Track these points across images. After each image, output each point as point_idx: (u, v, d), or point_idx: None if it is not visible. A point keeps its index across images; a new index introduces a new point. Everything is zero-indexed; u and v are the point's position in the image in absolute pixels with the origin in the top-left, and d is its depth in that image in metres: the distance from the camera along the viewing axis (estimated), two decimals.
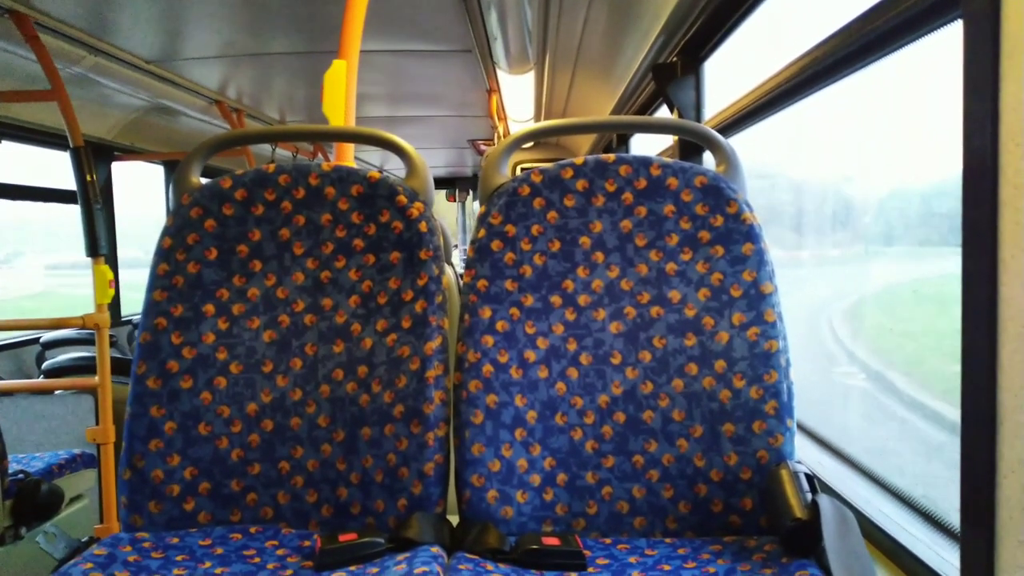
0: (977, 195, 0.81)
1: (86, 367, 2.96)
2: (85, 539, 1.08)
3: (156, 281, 1.16)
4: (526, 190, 1.16)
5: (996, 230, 0.78)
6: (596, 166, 1.16)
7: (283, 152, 5.30)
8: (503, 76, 3.38)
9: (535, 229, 1.15)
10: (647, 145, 4.45)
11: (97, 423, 2.60)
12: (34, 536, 2.04)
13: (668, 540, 1.08)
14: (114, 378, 2.57)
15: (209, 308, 1.16)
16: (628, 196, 1.15)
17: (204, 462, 1.12)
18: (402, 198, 1.16)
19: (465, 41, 2.97)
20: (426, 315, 1.13)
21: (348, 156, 1.49)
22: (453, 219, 8.98)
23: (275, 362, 1.15)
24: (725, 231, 1.13)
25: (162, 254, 1.16)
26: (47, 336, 3.54)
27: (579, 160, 1.17)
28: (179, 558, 1.02)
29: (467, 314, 1.14)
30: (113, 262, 3.94)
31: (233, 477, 1.13)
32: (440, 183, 8.27)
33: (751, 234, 1.12)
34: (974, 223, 0.81)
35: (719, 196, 1.13)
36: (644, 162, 1.16)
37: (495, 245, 1.15)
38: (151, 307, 1.15)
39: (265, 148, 4.74)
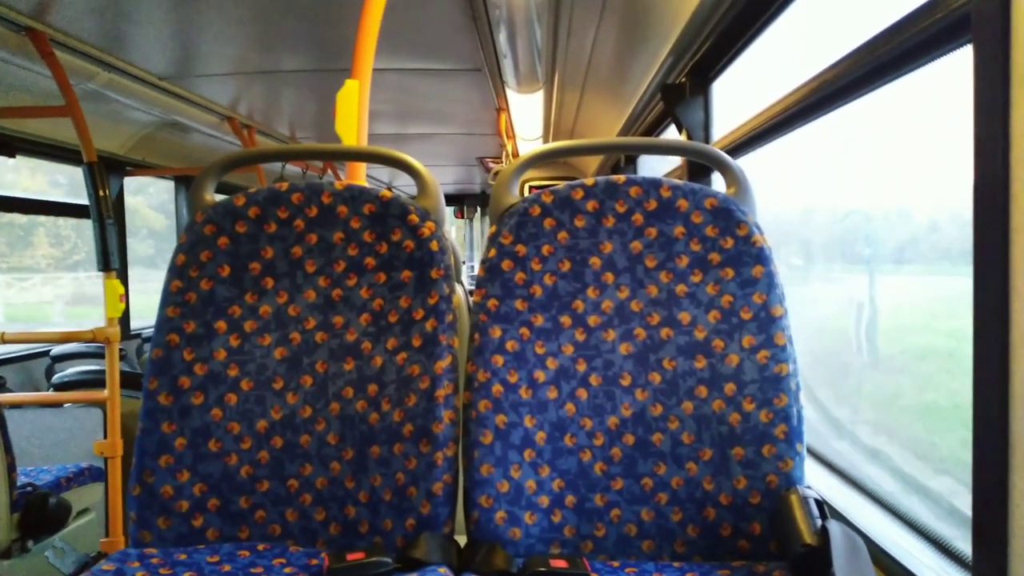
0: (988, 222, 0.81)
1: (95, 381, 2.97)
2: (93, 554, 1.08)
3: (169, 298, 1.16)
4: (537, 210, 1.16)
5: (1008, 257, 0.77)
6: (606, 187, 1.16)
7: (292, 168, 5.34)
8: (512, 95, 3.39)
9: (545, 249, 1.16)
10: (655, 164, 4.46)
11: (105, 437, 2.61)
12: (42, 549, 2.04)
13: (676, 564, 1.07)
14: (123, 392, 2.59)
15: (221, 325, 1.16)
16: (638, 217, 1.16)
17: (213, 478, 1.12)
18: (413, 217, 1.17)
19: (475, 60, 2.99)
20: (436, 334, 1.14)
21: (360, 174, 1.50)
22: (461, 236, 9.00)
23: (286, 379, 1.16)
24: (735, 253, 1.13)
25: (175, 271, 1.17)
26: (57, 349, 3.56)
27: (590, 181, 1.17)
28: (187, 574, 1.02)
29: (477, 333, 1.14)
30: (124, 276, 3.97)
31: (242, 494, 1.13)
32: (448, 200, 8.30)
33: (761, 257, 1.12)
34: (985, 250, 0.81)
35: (729, 218, 1.14)
36: (654, 183, 1.16)
37: (505, 265, 1.15)
38: (164, 323, 1.16)
39: (276, 164, 4.77)
